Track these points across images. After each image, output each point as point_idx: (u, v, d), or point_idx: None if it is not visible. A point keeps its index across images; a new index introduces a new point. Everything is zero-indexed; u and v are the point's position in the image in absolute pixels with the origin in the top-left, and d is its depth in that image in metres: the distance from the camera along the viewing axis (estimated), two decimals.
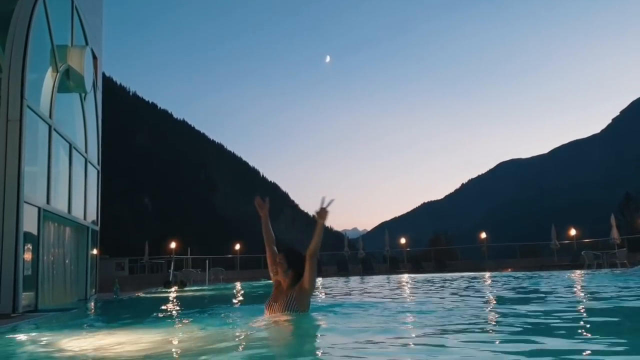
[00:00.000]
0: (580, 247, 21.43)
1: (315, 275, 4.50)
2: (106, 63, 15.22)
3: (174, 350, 3.36)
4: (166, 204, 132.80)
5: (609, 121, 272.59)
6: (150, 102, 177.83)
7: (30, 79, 7.67)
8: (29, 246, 7.59)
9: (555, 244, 22.00)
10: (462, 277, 13.45)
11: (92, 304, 9.46)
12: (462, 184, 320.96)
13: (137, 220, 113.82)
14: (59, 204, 9.14)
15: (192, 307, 7.81)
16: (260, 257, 21.46)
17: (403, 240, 24.98)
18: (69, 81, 9.69)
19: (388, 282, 12.40)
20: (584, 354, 2.77)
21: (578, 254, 19.40)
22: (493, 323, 4.21)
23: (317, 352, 3.11)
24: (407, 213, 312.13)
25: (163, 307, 8.12)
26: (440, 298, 7.15)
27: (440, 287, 9.76)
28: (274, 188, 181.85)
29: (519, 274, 14.16)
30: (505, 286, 9.53)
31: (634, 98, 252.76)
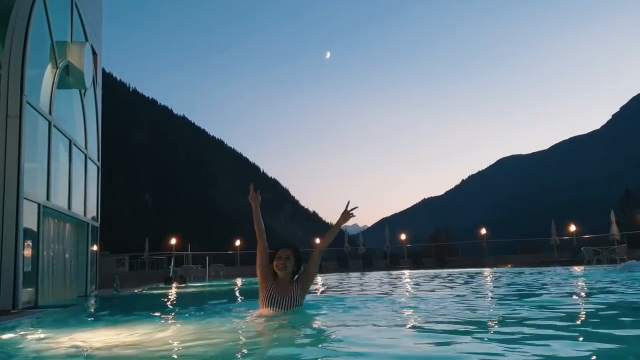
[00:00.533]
0: (580, 243, 21.46)
1: (317, 270, 4.55)
2: (106, 59, 15.20)
3: (174, 346, 3.37)
4: (166, 200, 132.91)
5: (609, 117, 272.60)
6: (150, 98, 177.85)
7: (30, 75, 7.65)
8: (29, 242, 7.59)
9: (555, 240, 22.02)
10: (460, 273, 13.46)
11: (92, 300, 9.47)
12: (463, 180, 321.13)
13: (137, 217, 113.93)
14: (59, 201, 9.14)
15: (192, 304, 7.82)
16: None
17: (403, 236, 25.00)
18: (68, 77, 9.67)
19: (388, 278, 12.41)
20: (579, 348, 2.77)
21: (578, 250, 19.42)
22: (490, 319, 4.21)
23: (320, 347, 3.11)
24: (408, 209, 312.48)
25: (163, 304, 8.14)
26: (440, 294, 7.16)
27: (440, 283, 9.77)
28: (274, 184, 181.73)
29: (519, 269, 14.18)
30: (504, 282, 9.55)
31: (634, 94, 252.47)
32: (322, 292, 8.86)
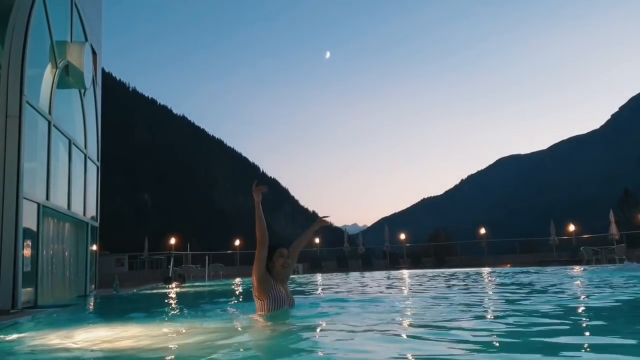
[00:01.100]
0: (579, 243, 21.47)
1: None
2: (105, 59, 15.21)
3: (173, 346, 3.37)
4: (166, 199, 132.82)
5: (608, 117, 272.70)
6: (149, 97, 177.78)
7: (30, 74, 7.65)
8: (29, 242, 7.60)
9: (554, 239, 22.03)
10: (460, 273, 13.47)
11: (92, 300, 9.47)
12: (462, 180, 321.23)
13: (136, 216, 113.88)
14: (59, 200, 9.14)
15: (191, 303, 7.82)
16: None
17: (403, 236, 25.01)
18: (68, 77, 9.68)
19: (388, 278, 12.42)
20: (577, 348, 2.78)
21: (577, 250, 19.44)
22: (489, 319, 4.22)
23: (320, 346, 3.11)
24: (407, 209, 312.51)
25: (163, 303, 8.14)
26: (439, 294, 7.16)
27: (439, 282, 9.78)
28: (274, 184, 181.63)
29: (518, 269, 14.19)
30: (503, 282, 9.56)
31: (633, 94, 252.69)
32: (323, 292, 8.87)
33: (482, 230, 24.58)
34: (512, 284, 8.86)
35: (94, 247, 11.53)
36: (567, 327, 3.72)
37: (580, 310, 4.83)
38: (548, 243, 22.63)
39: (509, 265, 19.05)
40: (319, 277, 14.84)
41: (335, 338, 3.38)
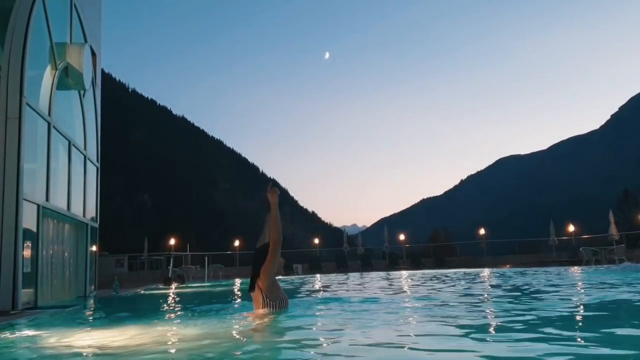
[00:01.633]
0: (579, 244, 21.47)
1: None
2: (105, 59, 15.20)
3: (173, 347, 3.38)
4: (165, 200, 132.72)
5: (608, 117, 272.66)
6: (149, 98, 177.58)
7: (29, 76, 7.67)
8: (28, 243, 7.61)
9: (553, 240, 22.03)
10: (459, 273, 13.48)
11: (92, 301, 9.48)
12: (461, 180, 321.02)
13: (136, 217, 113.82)
14: (58, 201, 9.15)
15: (191, 304, 7.82)
16: None
17: (402, 237, 25.00)
18: (68, 78, 9.69)
19: (387, 278, 12.43)
20: (578, 348, 2.79)
21: (577, 250, 19.44)
22: (488, 319, 4.23)
23: (319, 346, 3.12)
24: (407, 209, 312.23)
25: (162, 304, 8.15)
26: (438, 294, 7.17)
27: (438, 283, 9.79)
28: (273, 184, 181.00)
29: (518, 269, 14.20)
30: (502, 282, 9.57)
31: (633, 94, 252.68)
32: (322, 292, 8.88)
33: (482, 231, 24.57)
34: (512, 284, 8.87)
35: (94, 248, 11.54)
36: (567, 327, 3.73)
37: (579, 311, 4.84)
38: (548, 243, 22.63)
39: (508, 266, 19.06)
40: (318, 277, 14.85)
41: (334, 339, 3.39)
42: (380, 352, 2.90)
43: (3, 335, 4.30)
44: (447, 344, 3.06)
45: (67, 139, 9.66)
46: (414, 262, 22.84)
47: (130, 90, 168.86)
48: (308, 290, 9.40)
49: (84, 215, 10.77)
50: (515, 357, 2.65)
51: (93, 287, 11.35)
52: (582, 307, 5.14)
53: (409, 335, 3.54)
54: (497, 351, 2.81)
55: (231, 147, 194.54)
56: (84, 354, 3.24)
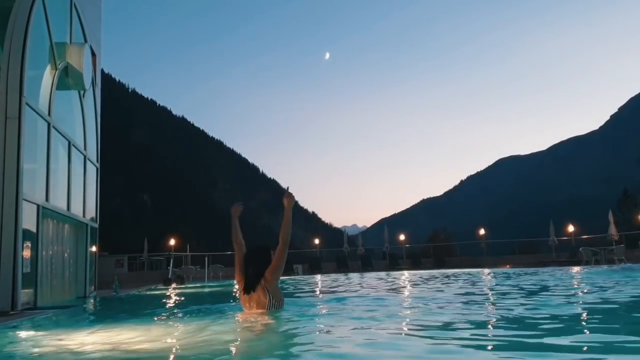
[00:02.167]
0: (579, 244, 21.45)
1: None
2: (105, 60, 15.20)
3: (173, 347, 3.38)
4: (165, 200, 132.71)
5: (608, 118, 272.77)
6: (149, 98, 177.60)
7: (29, 76, 7.66)
8: (28, 243, 7.60)
9: (553, 240, 22.02)
10: (459, 274, 13.48)
11: (92, 301, 9.48)
12: (461, 181, 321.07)
13: (136, 217, 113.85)
14: (58, 201, 9.15)
15: (191, 304, 7.82)
16: None
17: (402, 237, 24.99)
18: (67, 78, 9.68)
19: (387, 278, 12.42)
20: (577, 348, 2.79)
21: (576, 251, 19.43)
22: (487, 319, 4.23)
23: (319, 346, 3.12)
24: (407, 209, 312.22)
25: (162, 304, 8.14)
26: (438, 294, 7.17)
27: (438, 283, 9.79)
28: (273, 184, 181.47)
29: (517, 270, 14.20)
30: (502, 282, 9.57)
31: (632, 95, 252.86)
32: (321, 292, 8.88)
33: (482, 231, 24.56)
34: (512, 284, 8.87)
35: (94, 248, 11.54)
36: (567, 327, 3.73)
37: (579, 311, 4.83)
38: (547, 244, 22.61)
39: (508, 266, 19.06)
40: (318, 277, 14.84)
41: (333, 338, 3.38)
42: (381, 352, 2.90)
43: (3, 336, 4.30)
44: (447, 343, 3.06)
45: (67, 139, 9.65)
46: (414, 262, 22.83)
47: (130, 90, 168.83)
48: (308, 291, 9.40)
49: (83, 216, 10.76)
50: (515, 357, 2.64)
51: (93, 287, 11.35)
52: (581, 307, 5.13)
53: (409, 335, 3.54)
54: (497, 351, 2.80)
55: (231, 148, 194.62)
56: (84, 354, 3.23)
